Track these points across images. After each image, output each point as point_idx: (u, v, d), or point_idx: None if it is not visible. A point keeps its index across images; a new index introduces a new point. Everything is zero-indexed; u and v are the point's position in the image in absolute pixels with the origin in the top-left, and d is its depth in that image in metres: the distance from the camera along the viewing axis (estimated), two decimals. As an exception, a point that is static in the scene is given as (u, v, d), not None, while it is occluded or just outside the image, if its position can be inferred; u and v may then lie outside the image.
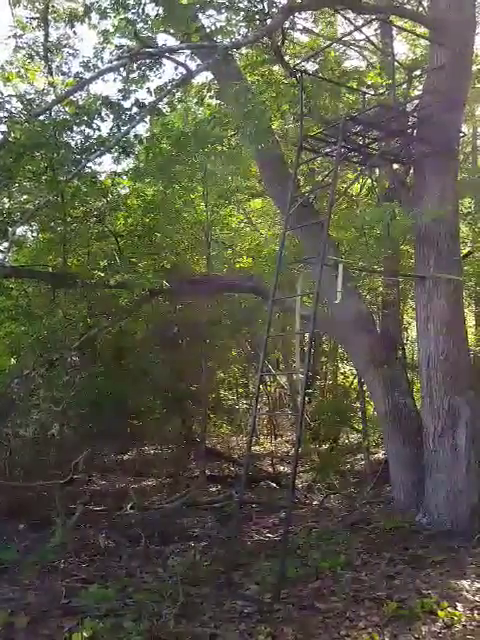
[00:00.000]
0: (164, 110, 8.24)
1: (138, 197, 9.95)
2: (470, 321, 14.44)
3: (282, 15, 6.04)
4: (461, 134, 7.62)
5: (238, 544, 6.16)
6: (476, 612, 4.78)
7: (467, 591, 5.17)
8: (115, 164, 8.25)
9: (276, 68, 9.74)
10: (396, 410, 7.70)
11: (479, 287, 11.98)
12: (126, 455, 11.97)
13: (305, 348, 6.87)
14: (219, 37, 7.70)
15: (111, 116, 6.16)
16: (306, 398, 13.79)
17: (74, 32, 10.24)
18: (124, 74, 5.98)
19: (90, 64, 7.24)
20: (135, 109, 5.90)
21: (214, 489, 9.72)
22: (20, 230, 8.61)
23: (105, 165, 15.06)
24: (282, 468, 11.46)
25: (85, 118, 6.28)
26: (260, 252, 11.47)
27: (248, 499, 8.40)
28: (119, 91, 6.04)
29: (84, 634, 3.79)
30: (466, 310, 12.99)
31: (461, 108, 7.57)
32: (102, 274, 7.07)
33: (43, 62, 10.56)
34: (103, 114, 6.10)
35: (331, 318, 7.85)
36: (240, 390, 15.84)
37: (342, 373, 15.13)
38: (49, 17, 10.61)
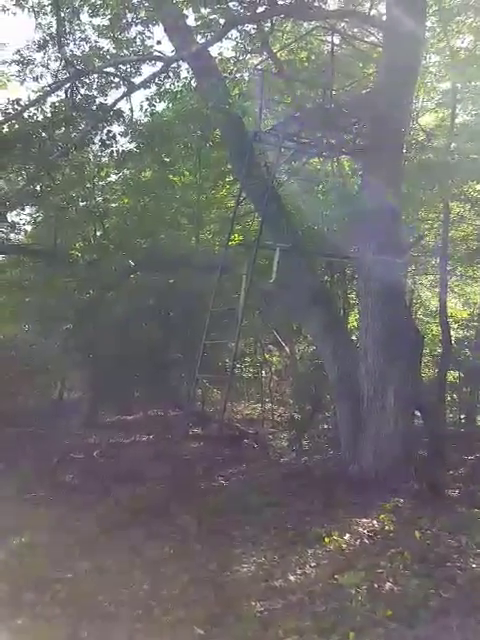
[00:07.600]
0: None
1: (131, 182, 10.95)
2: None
3: (225, 28, 6.84)
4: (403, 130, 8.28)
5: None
6: (359, 541, 5.77)
7: (361, 526, 6.14)
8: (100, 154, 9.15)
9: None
10: (342, 375, 8.56)
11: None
12: (131, 416, 13.38)
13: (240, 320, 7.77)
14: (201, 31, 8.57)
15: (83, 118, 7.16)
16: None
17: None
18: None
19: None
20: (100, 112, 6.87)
21: (195, 445, 10.91)
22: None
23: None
24: (272, 430, 12.60)
25: (61, 117, 7.26)
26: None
27: (216, 453, 9.53)
28: (82, 97, 7.02)
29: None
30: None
31: (408, 105, 8.23)
32: (78, 254, 8.16)
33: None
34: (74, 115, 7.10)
35: (286, 294, 8.72)
36: (248, 359, 16.88)
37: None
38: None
